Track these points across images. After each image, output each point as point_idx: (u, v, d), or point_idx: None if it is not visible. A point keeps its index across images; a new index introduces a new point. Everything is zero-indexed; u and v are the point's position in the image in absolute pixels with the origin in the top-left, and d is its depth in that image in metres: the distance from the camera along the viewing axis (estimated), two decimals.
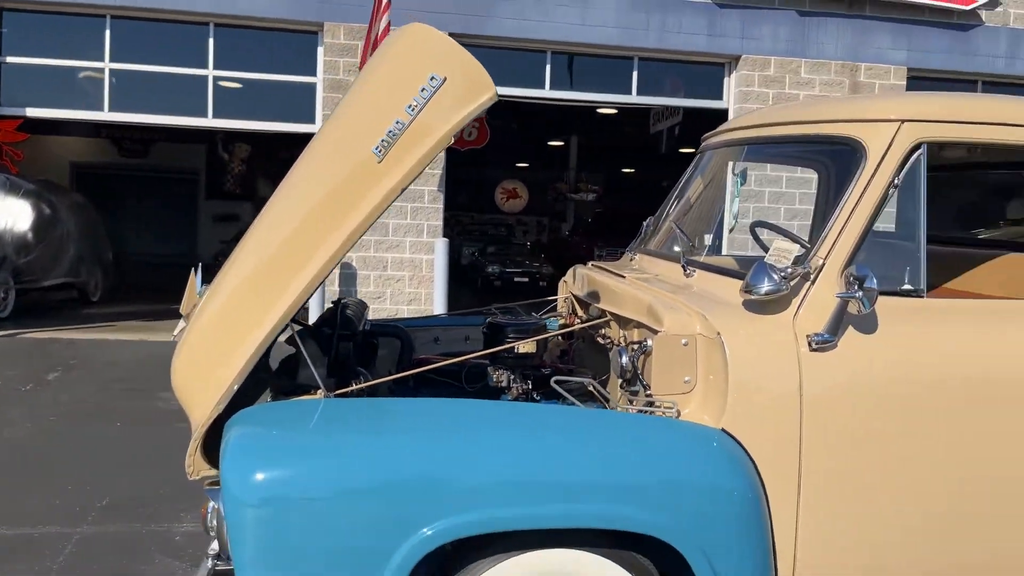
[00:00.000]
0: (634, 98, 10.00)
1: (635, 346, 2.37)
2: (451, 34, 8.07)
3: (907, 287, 2.20)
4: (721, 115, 10.18)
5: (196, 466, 2.22)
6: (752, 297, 2.19)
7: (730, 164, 2.95)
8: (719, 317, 2.20)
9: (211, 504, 2.39)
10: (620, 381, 2.43)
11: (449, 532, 1.94)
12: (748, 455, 2.11)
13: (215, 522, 2.12)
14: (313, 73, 9.50)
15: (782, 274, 2.16)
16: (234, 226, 18.98)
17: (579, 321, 3.10)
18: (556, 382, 2.36)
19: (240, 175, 20.12)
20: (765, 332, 2.17)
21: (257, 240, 2.24)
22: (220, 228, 19.39)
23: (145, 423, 5.64)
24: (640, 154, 19.15)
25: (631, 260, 3.12)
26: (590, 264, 3.24)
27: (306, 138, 9.90)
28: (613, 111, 13.62)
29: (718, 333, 2.15)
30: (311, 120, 9.58)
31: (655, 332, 2.28)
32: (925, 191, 2.23)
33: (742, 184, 2.90)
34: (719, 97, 10.17)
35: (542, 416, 2.19)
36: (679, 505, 2.01)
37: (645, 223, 3.34)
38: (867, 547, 2.17)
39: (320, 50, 9.40)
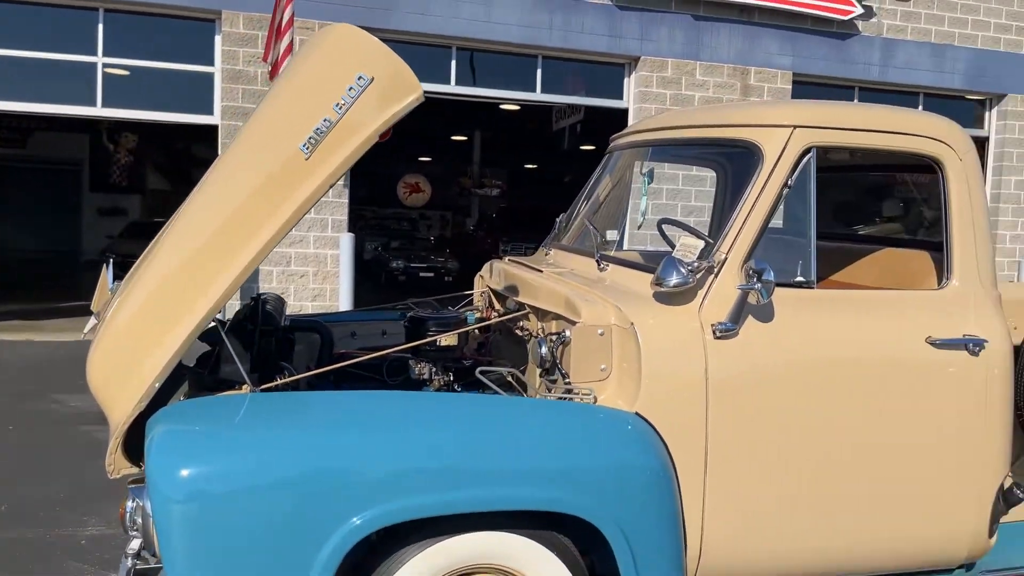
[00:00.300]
0: (538, 95, 10.18)
1: (554, 337, 2.49)
2: None
3: (799, 279, 2.40)
4: (622, 114, 10.49)
5: (117, 464, 2.20)
6: (662, 289, 2.35)
7: (637, 164, 3.11)
8: (632, 308, 2.35)
9: (130, 503, 2.37)
10: (539, 370, 2.55)
11: (376, 521, 2.01)
12: (659, 436, 2.26)
13: (140, 520, 2.10)
14: (211, 63, 9.22)
15: (689, 268, 2.32)
16: (121, 220, 18.14)
17: (496, 314, 3.20)
18: (480, 372, 2.45)
19: (127, 166, 19.24)
20: (674, 322, 2.33)
21: (179, 236, 2.23)
22: (106, 222, 18.50)
23: (39, 426, 5.40)
24: (543, 150, 19.44)
25: (546, 255, 3.24)
26: (507, 259, 3.34)
27: (203, 129, 9.63)
28: (516, 107, 13.79)
29: (631, 323, 2.30)
30: (209, 111, 9.30)
31: (573, 323, 2.41)
32: (814, 191, 2.45)
33: (649, 183, 3.07)
34: (620, 97, 10.48)
35: (464, 405, 2.28)
36: (597, 485, 2.15)
37: (558, 219, 3.48)
38: (767, 514, 2.37)
39: (218, 39, 9.14)
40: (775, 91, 10.80)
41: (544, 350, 2.51)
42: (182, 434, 2.04)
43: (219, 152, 9.06)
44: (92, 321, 2.72)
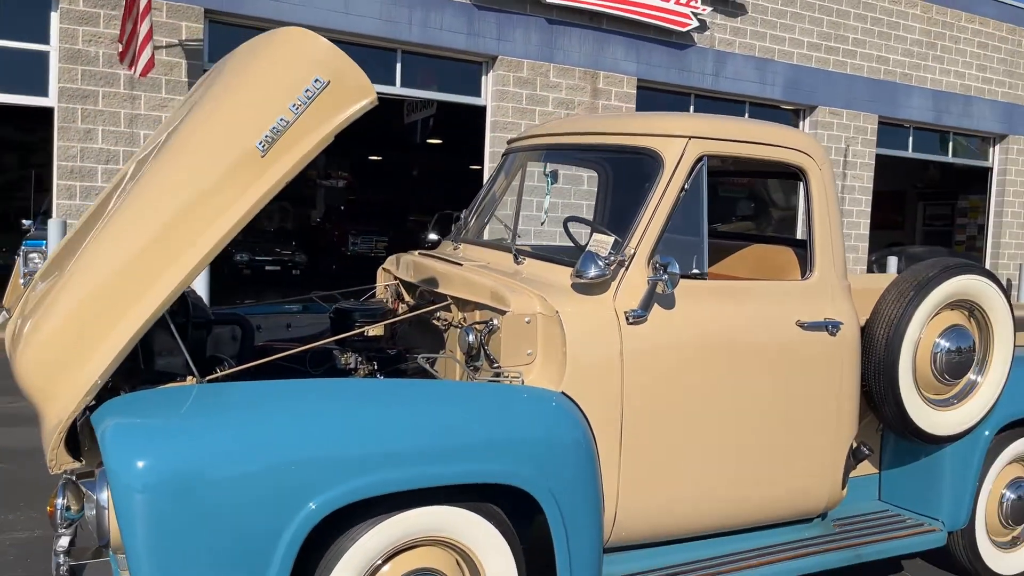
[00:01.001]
0: (398, 89, 10.25)
1: (481, 325, 2.69)
2: (205, 10, 7.91)
3: (694, 271, 2.74)
4: (479, 111, 10.77)
5: (60, 460, 2.17)
6: (581, 281, 2.61)
7: (544, 166, 3.36)
8: (555, 298, 2.59)
9: (59, 500, 2.35)
10: (463, 356, 2.74)
11: (331, 503, 2.12)
12: (582, 411, 2.52)
13: (93, 512, 2.10)
14: (46, 41, 8.57)
15: (605, 261, 2.60)
16: None
17: (405, 305, 3.35)
18: (424, 359, 2.61)
19: None
20: (592, 310, 2.60)
21: (122, 228, 2.23)
22: None
23: None
24: (391, 143, 19.36)
25: (455, 249, 3.43)
26: (416, 253, 3.50)
27: (36, 111, 8.90)
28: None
29: (556, 312, 2.54)
30: (43, 92, 8.65)
31: (499, 312, 2.62)
32: (706, 195, 2.80)
33: (553, 183, 3.32)
34: (478, 94, 10.75)
35: (407, 389, 2.43)
36: (533, 458, 2.37)
37: (462, 214, 3.67)
38: (670, 478, 2.69)
39: (55, 16, 8.51)
40: (622, 95, 11.48)
41: (472, 337, 2.70)
42: (137, 426, 2.07)
43: (56, 137, 8.45)
44: (2, 316, 2.61)
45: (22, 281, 2.62)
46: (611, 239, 2.72)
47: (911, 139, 14.82)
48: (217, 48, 9.44)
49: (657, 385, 2.63)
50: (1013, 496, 3.51)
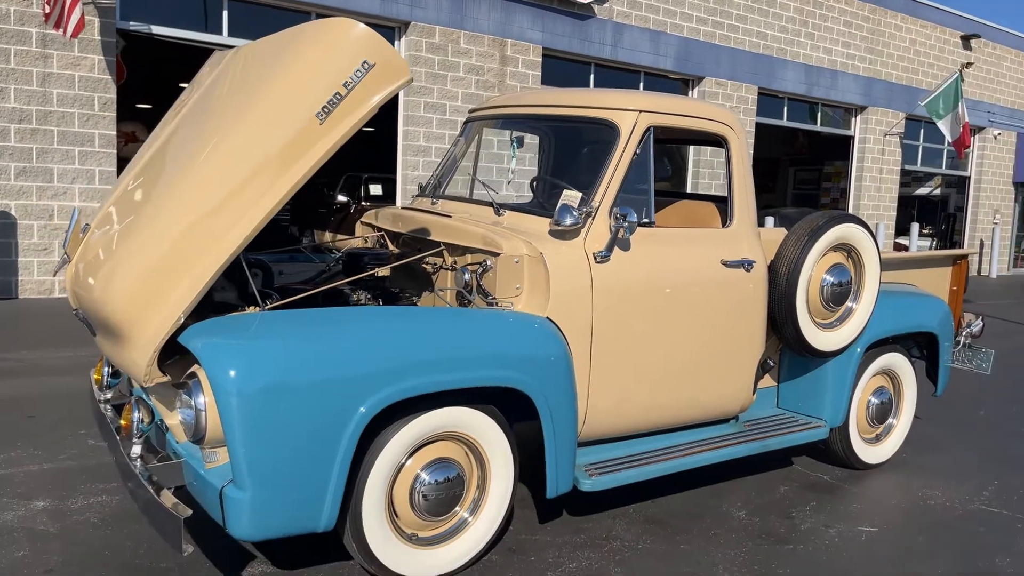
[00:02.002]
0: None
1: (475, 266, 3.27)
2: None
3: (644, 220, 3.41)
4: None
5: (152, 374, 2.62)
6: (559, 228, 3.23)
7: (509, 133, 3.93)
8: (538, 243, 3.20)
9: (134, 415, 2.80)
10: (456, 292, 3.33)
11: (382, 402, 2.68)
12: (561, 332, 3.16)
13: (192, 415, 2.56)
14: None
15: (579, 212, 3.23)
16: None
17: (393, 253, 3.87)
18: (439, 293, 3.18)
19: None
20: (568, 252, 3.23)
21: (198, 186, 2.65)
22: None
23: None
24: None
25: (433, 204, 3.97)
26: (400, 207, 4.01)
27: None
28: None
29: (540, 253, 3.16)
30: None
31: (494, 255, 3.21)
32: (653, 159, 3.47)
33: (518, 148, 3.91)
34: None
35: (433, 314, 3.00)
36: (531, 368, 3.00)
37: (434, 173, 4.21)
38: (627, 384, 3.38)
39: None
40: (528, 63, 12.07)
41: (468, 276, 3.28)
42: (229, 344, 2.55)
43: None
44: (61, 261, 2.98)
45: (82, 231, 2.99)
46: (579, 195, 3.35)
47: (785, 109, 16.17)
48: (130, 7, 9.37)
49: (618, 311, 3.30)
50: (876, 401, 4.44)
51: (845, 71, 16.70)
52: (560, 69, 12.42)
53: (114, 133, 9.23)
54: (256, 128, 2.65)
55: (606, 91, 3.69)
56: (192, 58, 12.50)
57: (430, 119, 11.35)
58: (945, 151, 19.93)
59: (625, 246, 3.35)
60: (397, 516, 2.91)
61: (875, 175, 17.67)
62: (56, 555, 3.05)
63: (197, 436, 2.58)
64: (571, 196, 3.36)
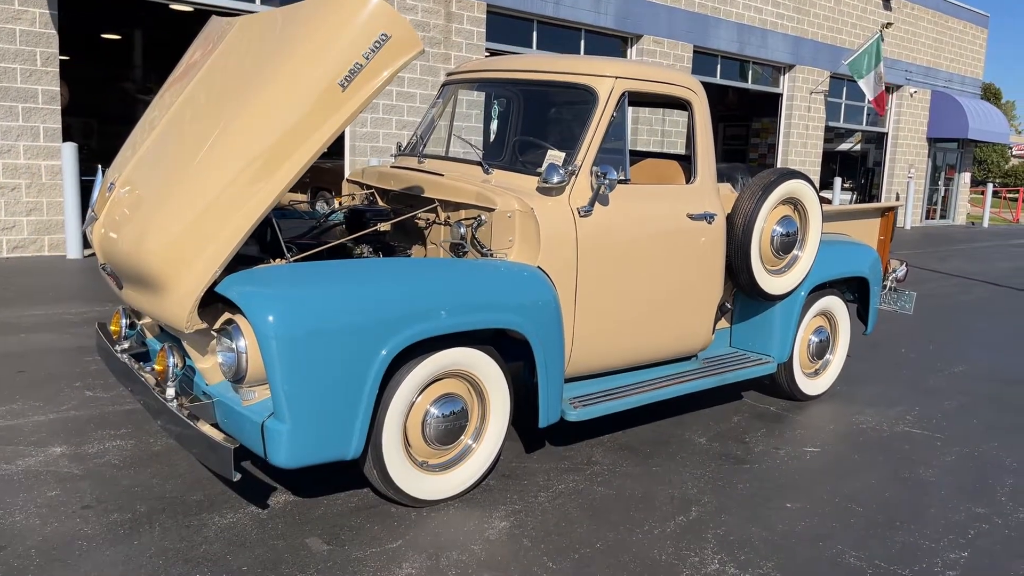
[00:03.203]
0: (257, 7, 10.35)
1: (470, 220, 3.58)
2: None
3: (621, 178, 3.77)
4: None
5: (192, 321, 2.86)
6: (546, 185, 3.56)
7: (491, 95, 4.21)
8: (528, 199, 3.53)
9: (170, 360, 3.04)
10: (452, 244, 3.64)
11: (400, 344, 2.99)
12: (550, 279, 3.52)
13: (234, 357, 2.83)
14: None
15: (564, 171, 3.56)
16: None
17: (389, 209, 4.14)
18: (444, 244, 3.48)
19: None
20: (555, 207, 3.56)
21: (227, 150, 2.87)
22: None
23: None
24: None
25: (420, 162, 4.23)
26: (387, 165, 4.27)
27: None
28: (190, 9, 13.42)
29: (531, 208, 3.48)
30: None
31: (488, 210, 3.52)
32: (628, 122, 3.81)
33: (500, 110, 4.19)
34: None
35: (441, 265, 3.30)
36: (527, 311, 3.35)
37: (415, 132, 4.46)
38: (606, 325, 3.77)
39: None
40: (473, 19, 12.19)
41: (463, 230, 3.59)
42: (266, 292, 2.81)
43: None
44: (90, 218, 3.17)
45: (108, 189, 3.17)
46: (562, 154, 3.68)
47: (719, 67, 16.70)
48: None
49: (599, 260, 3.67)
50: (816, 339, 4.96)
51: (775, 30, 17.30)
52: (503, 26, 12.58)
53: (58, 89, 9.06)
54: (283, 95, 2.87)
55: (585, 58, 4.00)
56: (135, 16, 12.06)
57: None
58: (865, 108, 20.90)
59: (604, 201, 3.70)
60: (410, 446, 3.24)
61: (801, 131, 18.46)
62: (88, 493, 3.29)
63: (238, 376, 2.85)
64: (556, 156, 3.68)
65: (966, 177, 24.99)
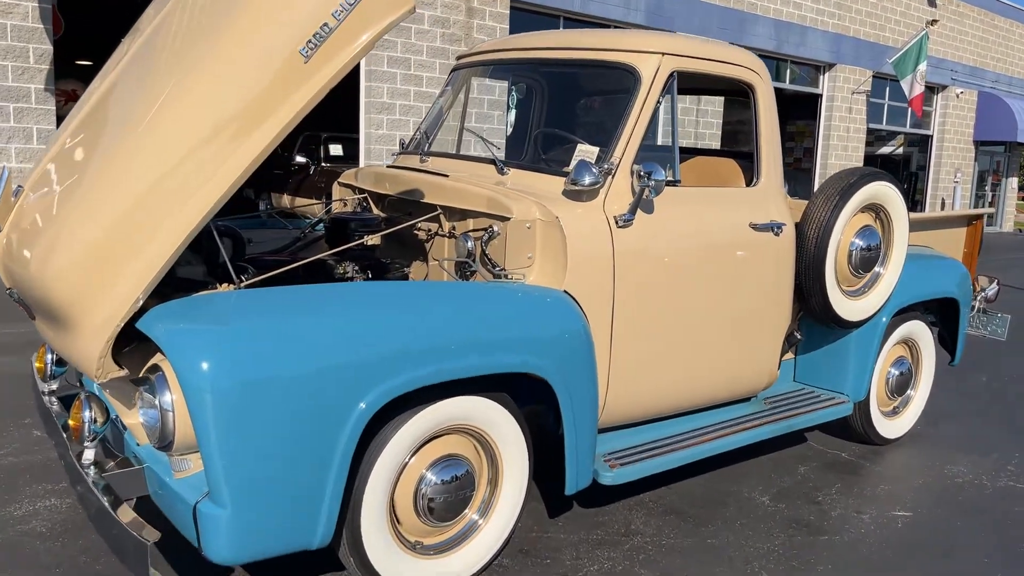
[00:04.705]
0: None
1: (479, 232, 2.85)
2: None
3: (670, 179, 3.02)
4: None
5: (107, 368, 2.16)
6: (575, 188, 2.82)
7: (508, 80, 3.48)
8: (552, 205, 2.79)
9: (85, 414, 2.34)
10: (458, 262, 2.91)
11: (384, 395, 2.26)
12: (580, 306, 2.77)
13: (157, 416, 2.12)
14: None
15: (599, 170, 2.82)
16: None
17: (380, 217, 3.42)
18: (443, 263, 2.75)
19: None
20: (587, 215, 2.82)
21: (154, 140, 2.18)
22: None
23: None
24: None
25: (422, 161, 3.51)
26: (384, 166, 3.55)
27: None
28: None
29: (556, 217, 2.74)
30: None
31: (502, 219, 2.79)
32: (676, 108, 3.06)
33: (519, 98, 3.47)
34: None
35: (435, 291, 2.57)
36: (549, 349, 2.60)
37: (419, 128, 3.74)
38: (649, 362, 3.02)
39: None
40: (495, 15, 11.49)
41: (470, 244, 2.86)
42: (200, 329, 2.10)
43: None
44: None
45: (13, 196, 2.48)
46: (596, 149, 2.94)
47: None
48: None
49: (641, 282, 2.92)
50: (896, 372, 4.16)
51: (815, 27, 16.41)
52: (528, 23, 11.87)
53: (52, 88, 8.49)
54: (226, 69, 2.17)
55: (623, 32, 3.26)
56: (139, 10, 11.58)
57: (394, 74, 10.75)
58: (909, 110, 19.90)
59: (648, 208, 2.95)
60: (399, 523, 2.52)
61: (842, 134, 17.52)
62: None
63: (163, 442, 2.14)
64: (587, 151, 2.95)
65: (1013, 182, 23.82)
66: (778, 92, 18.17)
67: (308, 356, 2.16)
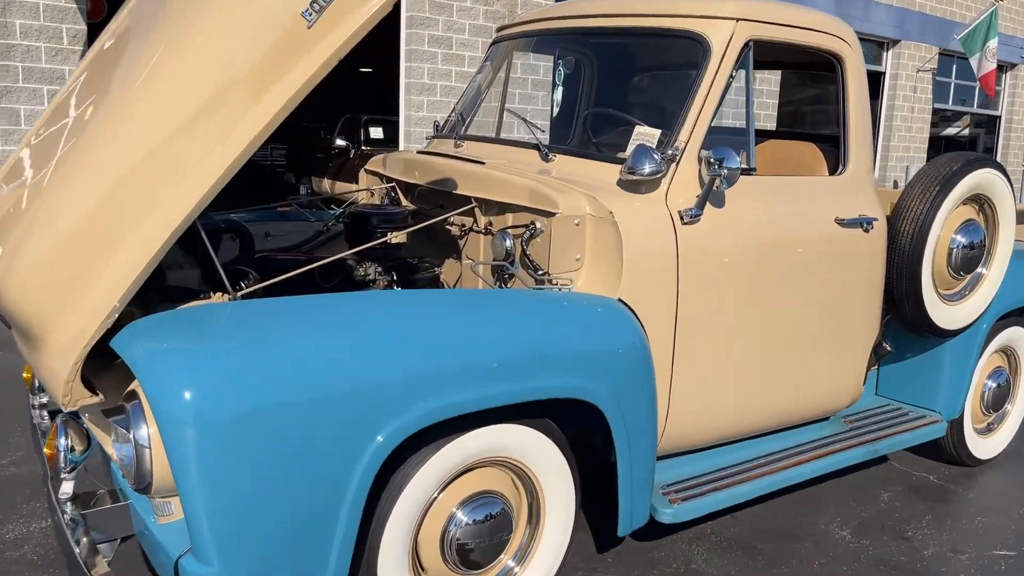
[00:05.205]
0: None
1: (519, 229, 2.46)
2: None
3: (745, 166, 2.58)
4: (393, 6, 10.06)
5: (76, 394, 1.83)
6: (634, 178, 2.40)
7: (556, 53, 3.07)
8: (606, 197, 2.38)
9: (60, 441, 2.02)
10: (495, 264, 2.51)
11: (407, 427, 1.90)
12: (637, 318, 2.36)
13: (128, 453, 1.78)
14: None
15: (661, 156, 2.39)
16: None
17: (407, 210, 3.05)
18: (474, 266, 2.36)
19: None
20: (647, 210, 2.40)
21: (132, 124, 1.83)
22: None
23: None
24: None
25: (457, 147, 3.12)
26: (415, 151, 3.17)
27: None
28: None
29: (610, 213, 2.33)
30: None
31: (546, 214, 2.39)
32: (751, 84, 2.61)
33: (567, 73, 3.05)
34: None
35: (469, 300, 2.19)
36: (601, 369, 2.20)
37: (454, 108, 3.35)
38: (718, 380, 2.60)
39: None
40: None
41: (509, 243, 2.47)
42: (181, 350, 1.75)
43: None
44: None
45: None
46: (657, 132, 2.52)
47: None
48: None
49: (710, 288, 2.50)
50: (993, 385, 3.66)
51: (878, 1, 15.54)
52: None
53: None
54: (216, 38, 1.80)
55: None
56: None
57: (435, 54, 10.36)
58: (977, 90, 18.84)
59: (719, 201, 2.52)
60: (423, 570, 2.15)
61: (906, 114, 16.63)
62: None
63: (140, 484, 1.80)
64: (647, 134, 2.52)
65: None
66: None
67: (313, 381, 1.80)
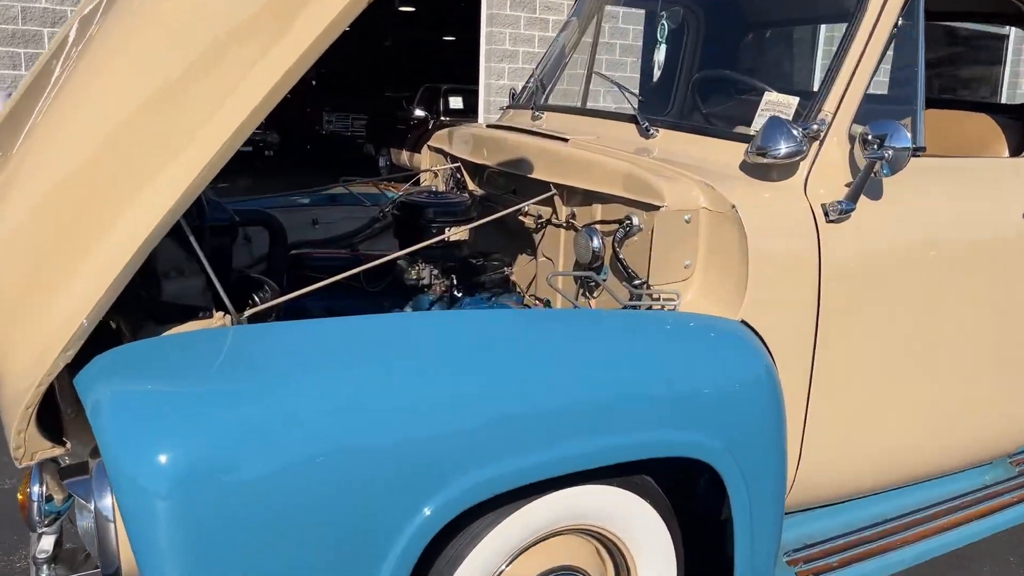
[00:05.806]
0: None
1: (611, 225, 1.93)
2: None
3: (914, 147, 1.97)
4: None
5: (30, 446, 1.41)
6: (764, 160, 1.83)
7: (657, 5, 2.50)
8: (726, 186, 1.82)
9: (35, 488, 1.63)
10: (579, 269, 2.00)
11: (462, 498, 1.42)
12: (765, 345, 1.81)
13: (88, 522, 1.36)
14: None
15: (801, 132, 1.82)
16: None
17: (471, 195, 2.55)
18: (552, 277, 1.86)
19: None
20: (781, 203, 1.84)
21: (103, 97, 1.38)
22: None
23: None
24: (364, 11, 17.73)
25: (535, 119, 2.59)
26: (483, 124, 2.66)
27: None
28: None
29: (732, 206, 1.78)
30: None
31: (646, 208, 1.85)
32: (923, 38, 1.99)
33: (671, 27, 2.48)
34: None
35: (542, 324, 1.68)
36: (721, 417, 1.67)
37: (533, 74, 2.82)
38: (867, 420, 2.03)
39: None
40: None
41: (597, 242, 1.94)
42: (151, 396, 1.30)
43: None
44: None
45: None
46: (794, 101, 1.94)
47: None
48: None
49: (861, 304, 1.92)
50: None
51: None
52: None
53: None
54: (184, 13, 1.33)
55: None
56: None
57: (517, 18, 9.78)
58: None
59: (876, 192, 1.93)
60: None
61: None
62: None
63: (108, 568, 1.37)
64: (780, 103, 1.94)
65: None
66: (949, 32, 15.90)
67: (334, 436, 1.33)
